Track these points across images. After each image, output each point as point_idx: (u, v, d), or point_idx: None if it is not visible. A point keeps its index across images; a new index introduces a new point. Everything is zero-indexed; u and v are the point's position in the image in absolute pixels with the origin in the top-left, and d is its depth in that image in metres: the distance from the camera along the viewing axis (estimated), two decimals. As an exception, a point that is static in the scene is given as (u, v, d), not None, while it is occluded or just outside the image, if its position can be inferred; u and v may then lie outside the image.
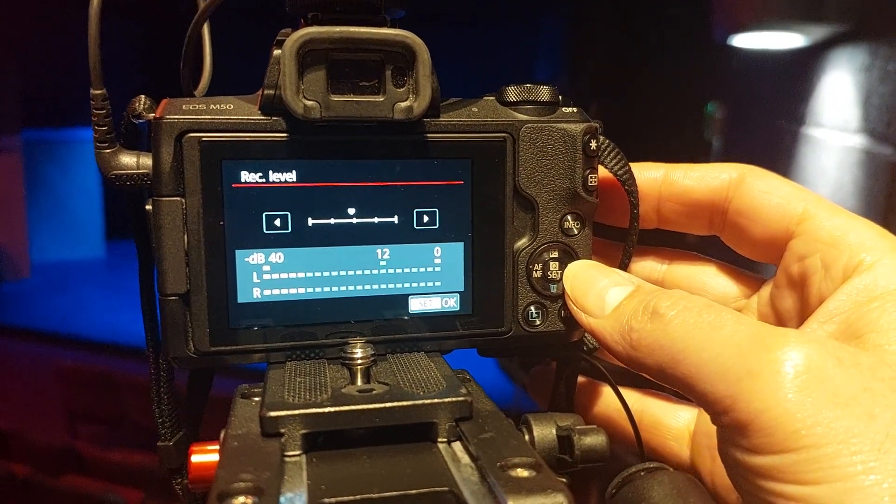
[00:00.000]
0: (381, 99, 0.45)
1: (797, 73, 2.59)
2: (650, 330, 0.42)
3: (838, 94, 2.35)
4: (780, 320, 0.50)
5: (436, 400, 0.40)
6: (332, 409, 0.39)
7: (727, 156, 3.29)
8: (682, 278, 0.56)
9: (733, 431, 0.38)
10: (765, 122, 2.89)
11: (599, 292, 0.47)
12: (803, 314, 0.48)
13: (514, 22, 6.88)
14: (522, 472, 0.34)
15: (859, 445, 0.34)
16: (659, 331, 0.41)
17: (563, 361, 0.55)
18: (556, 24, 5.85)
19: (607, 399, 0.57)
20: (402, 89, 0.45)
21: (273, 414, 0.39)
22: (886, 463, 0.34)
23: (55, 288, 8.44)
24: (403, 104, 0.45)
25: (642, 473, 0.40)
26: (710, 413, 0.39)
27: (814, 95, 2.51)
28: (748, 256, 0.53)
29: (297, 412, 0.39)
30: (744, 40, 2.59)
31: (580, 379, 0.57)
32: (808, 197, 0.49)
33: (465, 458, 0.38)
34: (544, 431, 0.44)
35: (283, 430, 0.39)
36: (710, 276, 0.56)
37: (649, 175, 0.53)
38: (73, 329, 6.85)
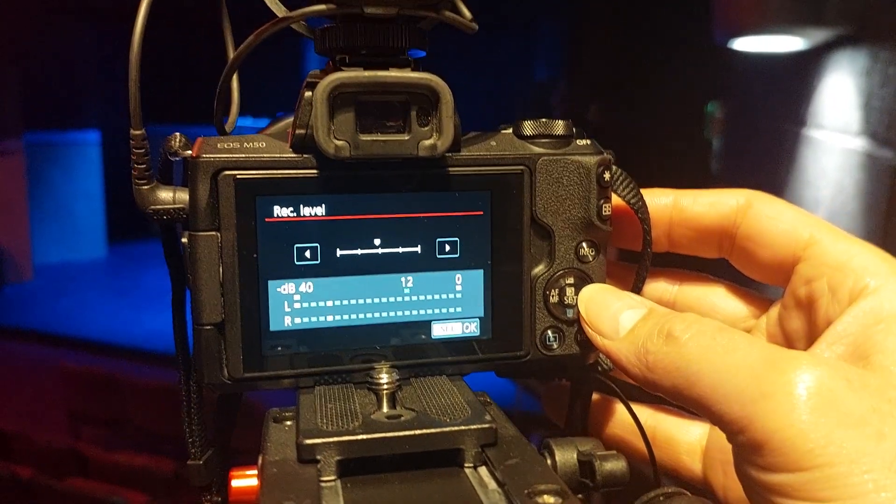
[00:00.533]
0: (407, 138, 0.47)
1: (798, 77, 2.60)
2: (665, 352, 0.44)
3: (839, 98, 2.37)
4: (788, 341, 0.52)
5: (462, 427, 0.42)
6: (365, 437, 0.41)
7: (729, 159, 3.31)
8: (693, 299, 0.58)
9: (749, 450, 0.40)
10: (766, 125, 2.90)
11: (613, 314, 0.49)
12: (811, 335, 0.50)
13: (514, 24, 6.88)
14: (549, 499, 0.37)
15: (870, 464, 0.36)
16: (674, 353, 0.43)
17: (578, 382, 0.57)
18: (555, 27, 5.86)
19: (621, 417, 0.59)
20: (426, 128, 0.47)
21: (310, 442, 0.41)
22: None
23: (57, 290, 8.46)
24: (427, 142, 0.47)
25: (662, 498, 0.42)
26: (726, 433, 0.41)
27: (815, 98, 2.52)
28: (756, 279, 0.55)
29: (332, 440, 0.41)
30: (745, 44, 2.60)
31: (594, 396, 0.59)
32: (814, 222, 0.51)
33: (492, 484, 0.40)
34: (566, 456, 0.46)
35: (319, 457, 0.41)
36: (720, 297, 0.58)
37: (660, 202, 0.55)
38: (75, 331, 6.86)
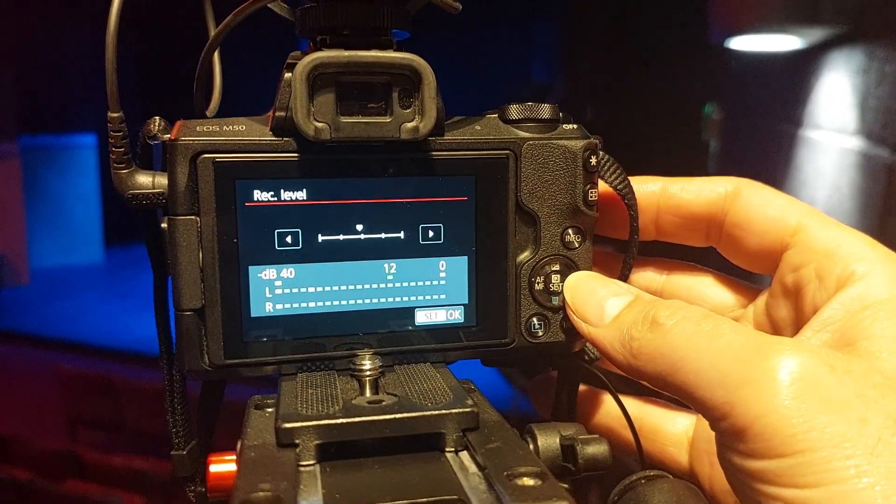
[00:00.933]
0: (388, 120, 0.46)
1: (794, 76, 2.60)
2: (650, 339, 0.43)
3: (835, 97, 2.37)
4: (775, 329, 0.52)
5: (443, 411, 0.42)
6: (344, 421, 0.41)
7: (725, 158, 3.31)
8: (681, 288, 0.58)
9: (731, 437, 0.39)
10: (762, 124, 2.91)
11: (599, 302, 0.48)
12: (798, 323, 0.49)
13: (510, 26, 6.89)
14: (528, 481, 0.36)
15: (852, 449, 0.36)
16: (658, 339, 0.43)
17: (565, 371, 0.56)
18: (551, 28, 5.86)
19: (608, 407, 0.59)
20: (408, 110, 0.46)
21: (288, 425, 0.40)
22: (878, 466, 0.35)
23: (54, 294, 8.45)
24: (410, 125, 0.46)
25: (643, 481, 0.42)
26: (709, 419, 0.41)
27: (811, 98, 2.52)
28: (744, 267, 0.55)
29: (311, 423, 0.40)
30: (740, 43, 2.60)
31: (581, 387, 0.58)
32: (802, 209, 0.51)
33: (473, 468, 0.40)
34: (548, 441, 0.45)
35: (297, 441, 0.40)
36: (707, 286, 0.57)
37: (647, 188, 0.55)
38: (72, 334, 6.85)
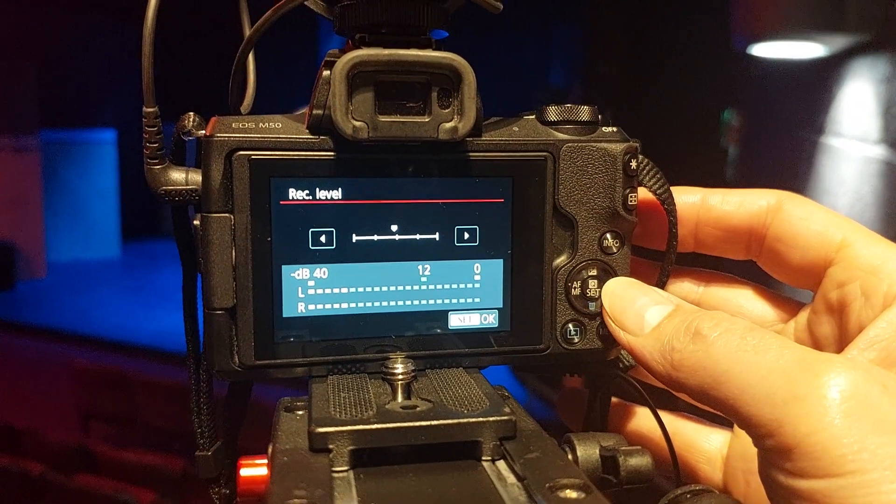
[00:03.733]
0: (427, 120, 0.45)
1: (817, 83, 2.58)
2: (692, 350, 0.42)
3: (858, 105, 2.35)
4: (817, 346, 0.51)
5: (480, 419, 0.41)
6: (379, 426, 0.40)
7: (745, 165, 3.29)
8: (720, 300, 0.56)
9: (777, 455, 0.38)
10: (784, 131, 2.88)
11: (638, 310, 0.47)
12: (842, 341, 0.48)
13: (530, 30, 6.88)
14: (571, 494, 0.35)
15: None
16: (701, 352, 0.42)
17: (598, 380, 0.55)
18: (571, 33, 5.85)
19: (639, 419, 0.57)
20: (447, 110, 0.45)
21: (322, 430, 0.39)
22: None
23: (71, 288, 8.51)
24: (448, 125, 0.45)
25: (688, 496, 0.41)
26: (754, 436, 0.40)
27: (833, 105, 2.50)
28: (785, 282, 0.53)
29: (345, 428, 0.39)
30: (763, 49, 2.58)
31: (614, 401, 0.57)
32: (847, 224, 0.50)
33: (511, 478, 0.39)
34: (588, 451, 0.44)
35: (331, 446, 0.39)
36: (747, 300, 0.56)
37: (687, 199, 0.54)
38: (87, 329, 6.90)
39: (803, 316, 0.52)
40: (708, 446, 0.56)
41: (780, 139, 2.91)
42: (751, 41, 2.56)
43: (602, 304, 0.50)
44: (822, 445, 0.36)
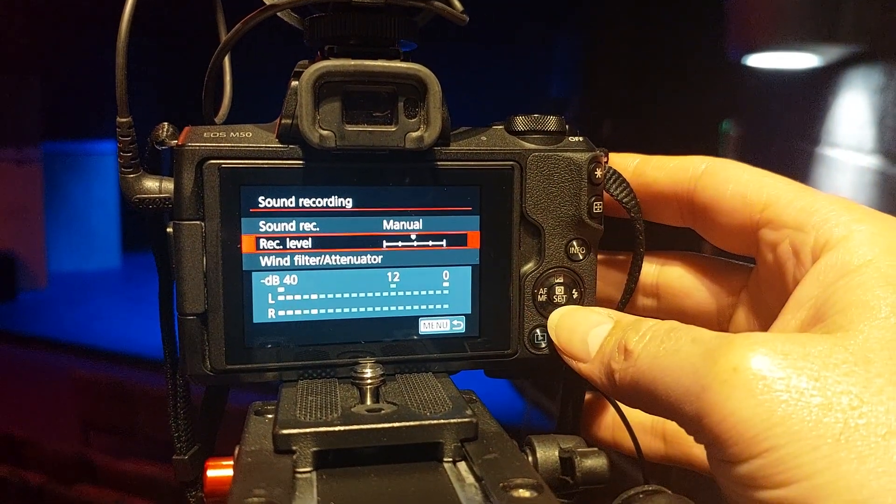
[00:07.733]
0: (394, 129, 0.46)
1: (812, 94, 2.59)
2: (625, 368, 0.42)
3: (853, 115, 2.36)
4: (768, 313, 0.49)
5: (442, 420, 0.42)
6: (342, 428, 0.41)
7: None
8: (674, 279, 0.56)
9: (710, 447, 0.38)
10: (779, 141, 2.89)
11: (582, 336, 0.47)
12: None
13: (528, 40, 6.90)
14: (524, 493, 0.36)
15: (818, 440, 0.34)
16: (632, 367, 0.42)
17: (567, 383, 0.56)
18: (570, 44, 5.87)
19: (615, 416, 0.58)
20: (413, 119, 0.47)
21: (285, 431, 0.40)
22: (849, 453, 0.33)
23: (72, 298, 8.51)
24: (415, 134, 0.46)
25: (641, 496, 0.41)
26: (691, 434, 0.40)
27: (828, 116, 2.51)
28: (725, 249, 0.52)
29: (308, 430, 0.40)
30: (758, 60, 2.59)
31: (588, 396, 0.58)
32: (771, 182, 0.48)
33: (470, 478, 0.40)
34: (547, 453, 0.45)
35: (294, 448, 0.40)
36: (700, 274, 0.55)
37: (622, 163, 0.53)
38: (88, 339, 6.89)
39: (754, 283, 0.52)
40: None
41: (776, 149, 2.92)
42: (746, 51, 2.57)
43: (551, 339, 0.51)
44: (734, 430, 0.36)
